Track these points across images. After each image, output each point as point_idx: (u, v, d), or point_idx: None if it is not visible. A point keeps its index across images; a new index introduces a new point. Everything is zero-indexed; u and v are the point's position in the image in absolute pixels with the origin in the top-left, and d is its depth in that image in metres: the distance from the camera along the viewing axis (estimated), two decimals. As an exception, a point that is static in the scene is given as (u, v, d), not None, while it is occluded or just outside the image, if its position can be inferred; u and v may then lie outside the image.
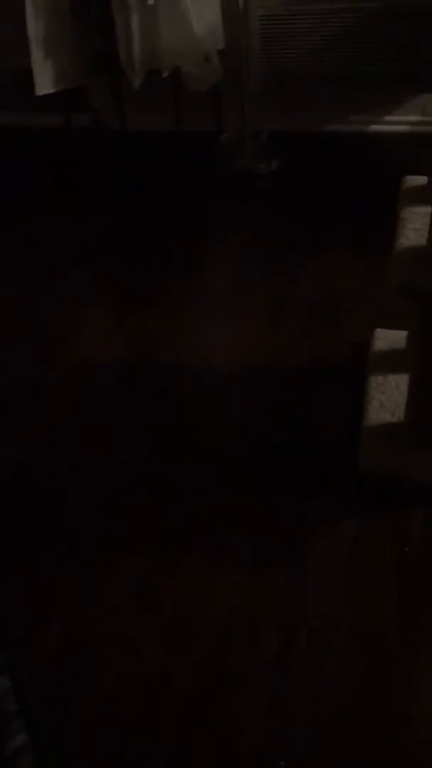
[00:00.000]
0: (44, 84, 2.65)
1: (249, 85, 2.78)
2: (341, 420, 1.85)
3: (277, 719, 1.33)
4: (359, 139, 3.00)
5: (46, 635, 1.47)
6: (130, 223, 2.73)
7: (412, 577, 1.54)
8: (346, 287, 2.30)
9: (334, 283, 2.33)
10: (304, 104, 2.91)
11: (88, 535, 1.65)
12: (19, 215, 2.81)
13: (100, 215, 2.80)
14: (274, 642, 1.45)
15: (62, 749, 1.29)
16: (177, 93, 2.89)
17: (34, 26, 2.54)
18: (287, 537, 1.62)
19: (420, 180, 1.67)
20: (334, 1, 2.57)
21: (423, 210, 1.48)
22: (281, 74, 2.73)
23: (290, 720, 1.33)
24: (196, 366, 2.09)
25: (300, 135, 2.99)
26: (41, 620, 1.49)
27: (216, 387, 2.02)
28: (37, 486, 1.78)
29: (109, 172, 3.02)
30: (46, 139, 3.15)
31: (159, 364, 2.11)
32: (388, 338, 1.91)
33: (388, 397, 1.71)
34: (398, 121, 2.96)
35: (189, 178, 2.92)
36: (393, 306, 1.61)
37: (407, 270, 1.36)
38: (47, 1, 2.53)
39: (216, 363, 2.10)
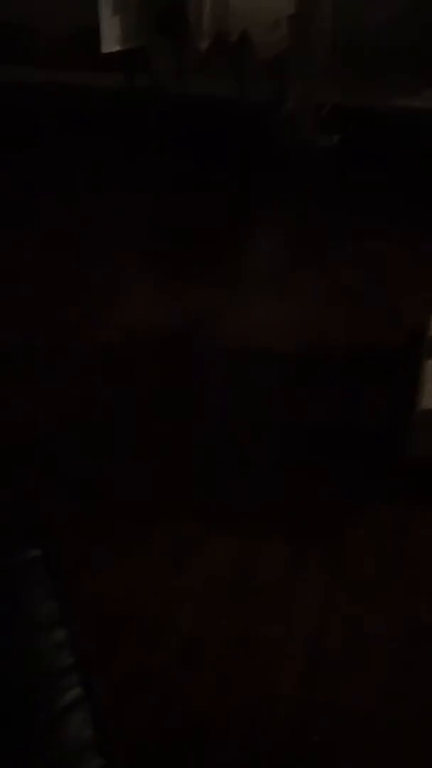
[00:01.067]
0: (110, 42, 2.62)
1: (317, 53, 2.71)
2: (386, 404, 1.83)
3: (311, 689, 1.33)
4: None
5: (81, 595, 1.47)
6: (184, 190, 2.70)
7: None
8: (403, 270, 2.26)
9: (390, 265, 2.28)
10: (373, 77, 2.82)
11: (125, 497, 1.65)
12: (75, 179, 2.79)
13: (155, 181, 2.77)
14: (310, 613, 1.45)
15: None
16: (241, 59, 2.83)
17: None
18: (326, 515, 1.61)
19: None
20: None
21: None
22: (351, 44, 2.66)
23: (325, 692, 1.33)
24: (241, 339, 2.07)
25: (366, 109, 2.91)
26: (75, 581, 1.50)
27: (260, 362, 2.00)
28: (77, 445, 1.78)
29: (166, 137, 2.98)
30: (107, 99, 3.11)
31: (204, 335, 2.09)
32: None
33: (442, 383, 1.68)
34: None
35: (246, 147, 2.87)
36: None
37: None
38: None
39: (262, 338, 2.07)
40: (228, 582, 1.50)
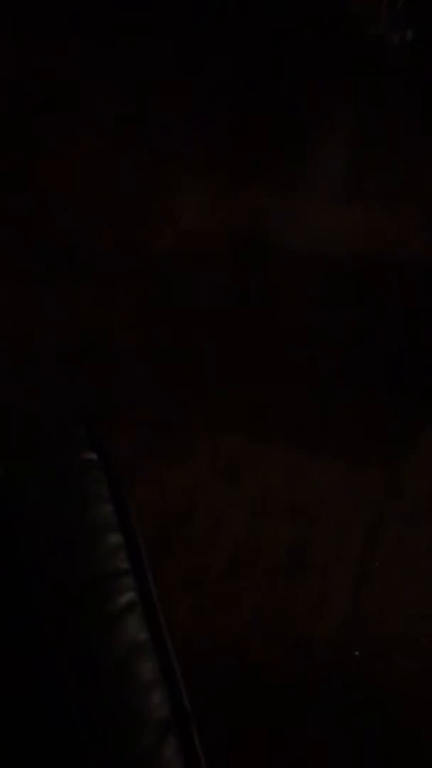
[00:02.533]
0: None
1: None
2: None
3: (357, 609, 1.33)
4: None
5: (137, 498, 1.48)
6: (246, 88, 2.57)
7: None
8: None
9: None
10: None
11: (182, 405, 1.64)
12: (141, 73, 2.67)
13: (216, 76, 2.65)
14: (361, 535, 1.43)
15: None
16: None
17: None
18: (385, 438, 1.58)
19: None
20: None
21: None
22: None
23: (371, 609, 1.33)
24: (300, 249, 1.99)
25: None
26: (132, 485, 1.50)
27: (319, 272, 1.93)
28: (133, 350, 1.76)
29: (231, 28, 2.82)
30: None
31: (263, 243, 2.02)
32: None
33: None
34: None
35: (315, 42, 2.70)
36: None
37: None
38: None
39: (321, 248, 2.00)
40: (281, 496, 1.49)
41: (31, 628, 0.69)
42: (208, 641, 1.30)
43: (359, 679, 1.25)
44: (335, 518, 1.45)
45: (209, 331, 1.79)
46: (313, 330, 1.79)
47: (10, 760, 0.65)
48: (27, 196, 2.12)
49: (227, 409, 1.64)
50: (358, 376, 1.69)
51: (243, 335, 1.79)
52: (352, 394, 1.65)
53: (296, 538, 1.42)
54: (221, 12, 2.86)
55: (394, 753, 1.19)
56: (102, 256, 1.99)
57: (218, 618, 1.33)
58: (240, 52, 2.69)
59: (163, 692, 0.69)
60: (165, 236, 2.03)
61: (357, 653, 1.26)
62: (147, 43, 2.77)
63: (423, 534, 1.42)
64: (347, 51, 2.62)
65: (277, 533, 1.43)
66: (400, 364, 1.69)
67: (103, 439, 0.82)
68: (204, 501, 1.48)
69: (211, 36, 2.80)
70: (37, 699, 0.67)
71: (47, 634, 0.68)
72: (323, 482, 1.51)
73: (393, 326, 1.78)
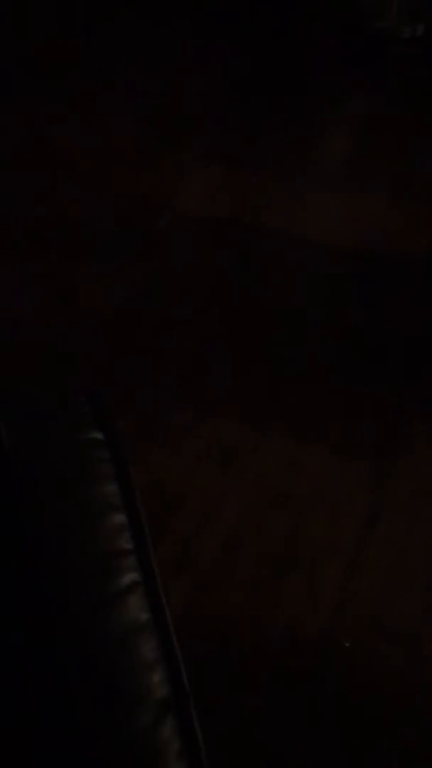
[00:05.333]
0: None
1: None
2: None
3: (348, 600, 1.34)
4: None
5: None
6: (254, 76, 2.56)
7: None
8: None
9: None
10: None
11: (181, 386, 1.63)
12: (152, 53, 2.65)
13: (224, 63, 2.63)
14: (353, 526, 1.44)
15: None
16: None
17: None
18: (380, 430, 1.58)
19: None
20: None
21: None
22: None
23: (360, 603, 1.33)
24: (302, 237, 1.99)
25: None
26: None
27: (321, 262, 1.93)
28: (134, 332, 1.75)
29: (240, 15, 2.80)
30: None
31: (263, 229, 2.01)
32: None
33: None
34: None
35: (324, 34, 2.69)
36: None
37: None
38: None
39: (324, 237, 1.99)
40: (275, 485, 1.49)
41: (32, 605, 0.68)
42: (196, 626, 1.31)
43: (347, 669, 1.26)
44: (328, 509, 1.45)
45: (207, 317, 1.79)
46: (312, 320, 1.79)
47: (6, 736, 0.65)
48: (28, 173, 2.10)
49: (223, 396, 1.64)
50: (355, 368, 1.69)
51: (241, 322, 1.79)
52: (349, 386, 1.66)
53: (289, 527, 1.43)
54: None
55: (376, 744, 1.20)
56: (101, 236, 1.98)
57: (207, 603, 1.33)
58: (249, 40, 2.67)
59: (163, 672, 0.69)
60: (165, 219, 2.03)
61: (347, 644, 1.27)
62: (156, 28, 2.75)
63: (415, 527, 1.42)
64: (357, 42, 2.61)
65: (269, 522, 1.43)
66: (398, 358, 1.70)
67: (109, 418, 0.81)
68: (197, 487, 1.48)
69: (221, 23, 2.78)
70: (35, 676, 0.67)
71: (49, 612, 0.68)
72: (317, 473, 1.51)
73: (394, 319, 1.79)
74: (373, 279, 1.88)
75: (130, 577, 0.72)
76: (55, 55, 2.50)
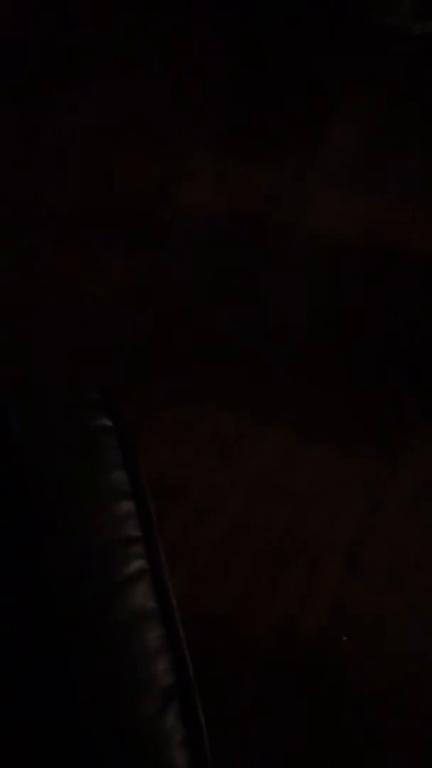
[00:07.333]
0: None
1: None
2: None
3: (345, 596, 1.34)
4: None
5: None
6: (259, 69, 2.55)
7: None
8: None
9: None
10: None
11: (175, 385, 1.63)
12: (159, 46, 2.64)
13: (233, 58, 2.62)
14: (353, 522, 1.44)
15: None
16: None
17: None
18: (381, 427, 1.58)
19: None
20: None
21: None
22: None
23: (359, 598, 1.33)
24: (307, 234, 1.99)
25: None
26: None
27: (326, 257, 1.92)
28: (136, 325, 1.75)
29: (246, 8, 2.79)
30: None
31: (269, 223, 2.01)
32: None
33: None
34: None
35: (332, 28, 2.68)
36: None
37: None
38: None
39: (329, 232, 1.99)
40: (276, 478, 1.49)
41: (39, 591, 0.68)
42: (193, 617, 1.31)
43: (343, 663, 1.26)
44: (328, 503, 1.45)
45: (209, 311, 1.79)
46: (316, 315, 1.79)
47: (11, 720, 0.65)
48: (27, 165, 2.09)
49: (225, 388, 1.64)
50: (358, 363, 1.69)
51: (243, 316, 1.78)
52: (351, 382, 1.65)
53: (289, 521, 1.43)
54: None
55: (374, 737, 1.20)
56: (104, 229, 1.98)
57: (205, 594, 1.33)
58: (259, 35, 2.66)
59: (168, 661, 0.69)
60: (169, 212, 2.02)
61: (345, 638, 1.27)
62: (167, 20, 2.74)
63: (415, 522, 1.42)
64: (368, 39, 2.60)
65: (269, 515, 1.43)
66: (402, 353, 1.70)
67: (118, 406, 0.81)
68: (197, 480, 1.48)
69: (226, 17, 2.77)
70: (40, 662, 0.67)
71: (55, 598, 0.68)
72: (318, 467, 1.51)
73: (398, 314, 1.79)
74: (378, 276, 1.88)
75: (137, 565, 0.72)
76: (59, 49, 2.49)
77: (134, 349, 1.69)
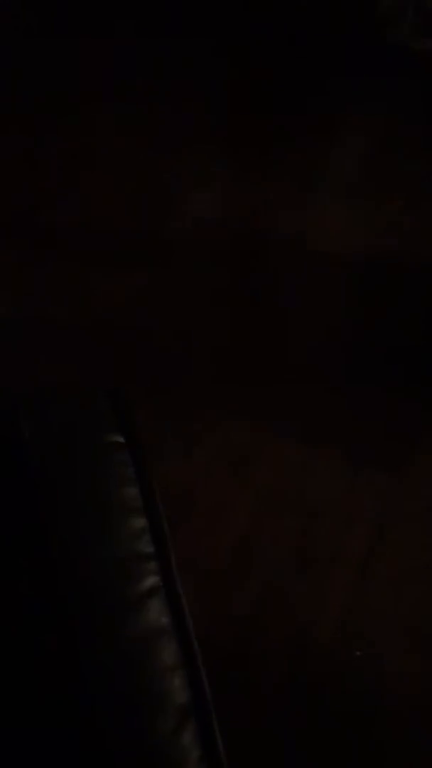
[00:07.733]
0: None
1: None
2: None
3: (357, 609, 1.33)
4: None
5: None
6: (266, 82, 2.56)
7: None
8: None
9: None
10: None
11: (184, 397, 1.63)
12: (162, 58, 2.65)
13: (236, 70, 2.63)
14: (364, 533, 1.43)
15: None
16: None
17: None
18: (391, 438, 1.57)
19: None
20: None
21: None
22: None
23: (370, 611, 1.33)
24: (315, 243, 1.99)
25: None
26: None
27: (331, 268, 1.92)
28: (145, 338, 1.75)
29: (254, 21, 2.80)
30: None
31: (271, 235, 2.01)
32: None
33: None
34: None
35: (336, 44, 2.69)
36: None
37: None
38: None
39: (333, 243, 1.99)
40: (287, 490, 1.49)
41: (53, 609, 0.68)
42: (206, 629, 1.30)
43: (357, 677, 1.25)
44: (340, 515, 1.45)
45: (218, 323, 1.79)
46: (323, 325, 1.79)
47: (28, 738, 0.65)
48: (36, 180, 2.10)
49: (234, 400, 1.64)
50: (367, 373, 1.68)
51: (251, 328, 1.78)
52: (363, 393, 1.65)
53: (300, 533, 1.42)
54: (246, 3, 2.85)
55: (387, 748, 1.20)
56: (108, 243, 1.98)
57: (218, 607, 1.33)
58: (262, 46, 2.68)
59: (184, 677, 0.69)
60: (173, 225, 2.03)
61: (358, 653, 1.26)
62: (171, 38, 2.75)
63: (426, 535, 1.42)
64: (375, 52, 2.61)
65: (281, 527, 1.43)
66: (411, 363, 1.69)
67: (130, 420, 0.81)
68: (209, 492, 1.48)
69: (234, 27, 2.79)
70: (56, 680, 0.67)
71: (70, 616, 0.68)
72: (329, 478, 1.50)
73: (404, 324, 1.78)
74: (388, 286, 1.88)
75: (151, 581, 0.72)
76: (62, 64, 2.50)
77: (143, 362, 1.69)
